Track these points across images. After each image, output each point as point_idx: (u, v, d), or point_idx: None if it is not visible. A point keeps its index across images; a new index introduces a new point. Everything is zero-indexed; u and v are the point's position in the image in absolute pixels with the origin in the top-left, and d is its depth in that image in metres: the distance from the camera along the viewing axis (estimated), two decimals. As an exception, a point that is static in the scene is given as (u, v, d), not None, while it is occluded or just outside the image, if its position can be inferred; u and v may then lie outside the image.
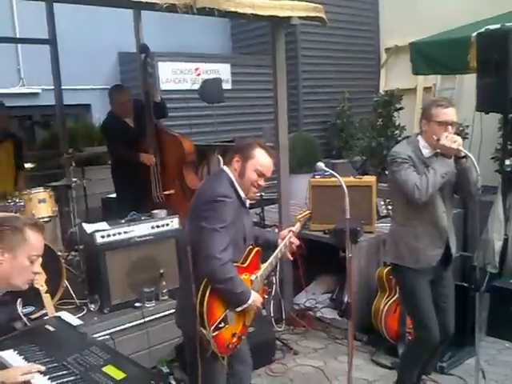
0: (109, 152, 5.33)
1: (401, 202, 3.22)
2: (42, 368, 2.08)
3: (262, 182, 2.67)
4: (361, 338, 4.40)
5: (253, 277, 2.70)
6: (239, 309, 2.60)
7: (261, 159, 2.65)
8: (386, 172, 3.40)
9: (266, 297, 2.91)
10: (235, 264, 2.62)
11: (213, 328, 2.51)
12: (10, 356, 2.23)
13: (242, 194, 2.68)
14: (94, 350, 2.26)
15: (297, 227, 2.96)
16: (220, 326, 2.54)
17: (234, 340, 2.64)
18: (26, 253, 2.09)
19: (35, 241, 2.12)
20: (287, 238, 2.87)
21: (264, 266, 2.79)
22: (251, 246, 2.77)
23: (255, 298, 2.63)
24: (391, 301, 4.20)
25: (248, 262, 2.70)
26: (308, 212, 3.12)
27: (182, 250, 2.81)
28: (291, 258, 3.00)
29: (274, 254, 2.83)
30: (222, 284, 2.52)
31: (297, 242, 2.92)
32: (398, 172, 3.11)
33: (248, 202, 2.78)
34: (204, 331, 2.49)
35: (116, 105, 5.02)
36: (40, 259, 2.18)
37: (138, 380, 2.09)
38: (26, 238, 2.08)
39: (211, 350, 2.54)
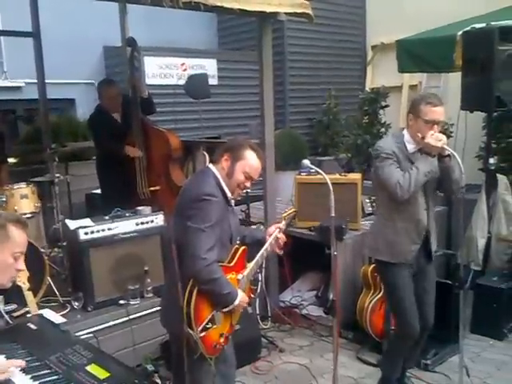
0: (94, 146, 5.27)
1: (383, 197, 3.25)
2: (22, 363, 2.04)
3: (248, 184, 2.65)
4: (346, 336, 4.41)
5: (239, 276, 2.68)
6: (226, 309, 2.58)
7: (251, 161, 2.62)
8: (372, 169, 3.42)
9: (253, 296, 2.89)
10: (222, 264, 2.59)
11: (200, 329, 2.48)
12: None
13: (229, 193, 2.65)
14: (77, 349, 2.23)
15: (283, 224, 2.94)
16: (207, 326, 2.51)
17: (222, 340, 2.61)
18: (9, 250, 2.04)
19: (19, 238, 2.08)
20: (273, 236, 2.85)
21: (250, 266, 2.76)
22: (237, 245, 2.74)
23: (242, 298, 2.61)
24: (376, 298, 4.21)
25: (234, 261, 2.67)
26: (293, 210, 3.11)
27: (167, 248, 2.78)
28: (280, 253, 2.97)
29: (260, 252, 2.81)
30: (208, 285, 2.49)
31: (284, 238, 2.90)
32: (381, 168, 3.13)
33: (233, 201, 2.75)
34: (191, 332, 2.46)
35: (105, 99, 4.97)
36: (23, 256, 2.13)
37: (122, 379, 2.06)
38: (10, 235, 2.04)
39: (199, 352, 2.51)
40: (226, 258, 2.65)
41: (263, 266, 4.77)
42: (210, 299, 2.53)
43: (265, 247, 2.81)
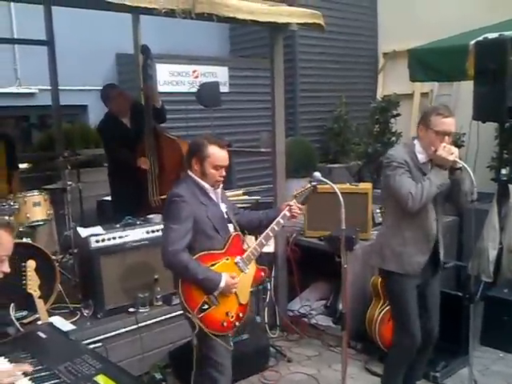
0: (106, 153, 5.30)
1: (393, 206, 3.23)
2: (29, 368, 2.08)
3: (223, 173, 2.89)
4: (355, 346, 4.39)
5: (237, 259, 2.88)
6: (216, 293, 2.76)
7: (215, 155, 2.84)
8: (382, 177, 3.40)
9: (263, 274, 3.05)
10: (208, 252, 2.81)
11: (196, 311, 2.74)
12: (1, 363, 2.21)
13: (209, 187, 2.89)
14: (85, 359, 2.25)
15: (293, 202, 3.05)
16: (204, 307, 2.76)
17: (232, 319, 2.85)
18: None
19: (6, 241, 2.15)
20: (281, 215, 3.00)
21: (251, 248, 2.93)
22: (232, 233, 2.93)
23: (228, 282, 2.77)
24: (385, 309, 4.18)
25: (226, 247, 2.87)
26: (308, 186, 3.11)
27: None
28: (296, 216, 3.08)
29: (264, 233, 2.96)
30: (181, 273, 2.76)
31: (297, 209, 3.03)
32: (392, 177, 3.11)
33: (215, 196, 2.93)
34: (189, 315, 2.76)
35: (111, 102, 4.99)
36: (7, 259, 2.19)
37: (130, 390, 2.08)
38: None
39: (197, 328, 2.76)
40: (218, 246, 2.86)
41: (272, 274, 4.79)
42: (196, 286, 2.75)
43: (270, 228, 2.97)
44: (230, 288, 2.81)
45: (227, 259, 2.86)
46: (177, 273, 2.81)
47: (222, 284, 2.75)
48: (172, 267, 2.80)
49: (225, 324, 2.82)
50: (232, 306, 2.86)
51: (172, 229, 2.76)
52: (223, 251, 2.86)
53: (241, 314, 2.90)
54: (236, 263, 2.88)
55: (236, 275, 2.85)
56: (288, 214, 3.01)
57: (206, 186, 2.89)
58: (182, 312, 2.92)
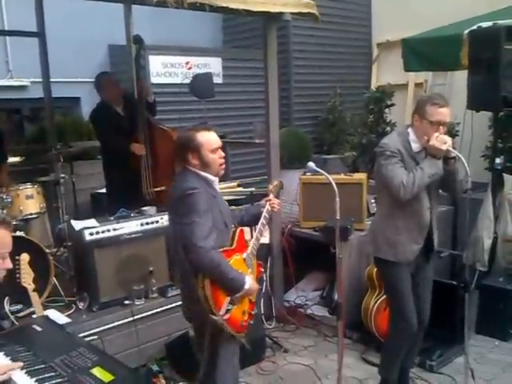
0: (99, 141, 5.24)
1: (386, 195, 3.23)
2: (21, 364, 2.08)
3: (222, 153, 2.79)
4: (351, 336, 4.40)
5: (244, 255, 2.81)
6: (239, 294, 2.67)
7: (209, 141, 2.74)
8: (375, 166, 3.40)
9: (262, 270, 3.04)
10: (224, 248, 2.69)
11: (222, 312, 2.61)
12: (-1, 358, 2.21)
13: (213, 178, 2.79)
14: (81, 351, 2.25)
15: (271, 197, 3.05)
16: (229, 308, 2.65)
17: (246, 317, 2.78)
18: None
19: (4, 238, 2.11)
20: (265, 209, 2.97)
21: (251, 243, 2.88)
22: (234, 228, 2.86)
23: (252, 285, 2.71)
24: (381, 299, 4.19)
25: (235, 243, 2.79)
26: (278, 181, 3.21)
27: (173, 249, 2.92)
28: (275, 210, 3.08)
29: (257, 228, 2.93)
30: (213, 271, 2.58)
31: (276, 201, 3.03)
32: (385, 166, 3.11)
33: (218, 187, 2.86)
34: (214, 317, 2.59)
35: (103, 89, 4.94)
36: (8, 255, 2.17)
37: (127, 382, 2.07)
38: None
39: (227, 333, 2.65)
40: (226, 242, 2.76)
41: (268, 265, 4.80)
42: (221, 286, 2.62)
43: (260, 222, 2.93)
44: (253, 290, 2.75)
45: (237, 256, 2.76)
46: (205, 271, 2.58)
47: (247, 285, 2.66)
48: (203, 265, 2.57)
49: (243, 324, 2.75)
50: (245, 304, 2.78)
51: (196, 223, 2.55)
52: (234, 247, 2.76)
53: (252, 312, 2.84)
54: (244, 259, 2.79)
55: (252, 276, 2.80)
56: (269, 207, 3.00)
57: (211, 177, 2.76)
58: (177, 304, 2.87)
